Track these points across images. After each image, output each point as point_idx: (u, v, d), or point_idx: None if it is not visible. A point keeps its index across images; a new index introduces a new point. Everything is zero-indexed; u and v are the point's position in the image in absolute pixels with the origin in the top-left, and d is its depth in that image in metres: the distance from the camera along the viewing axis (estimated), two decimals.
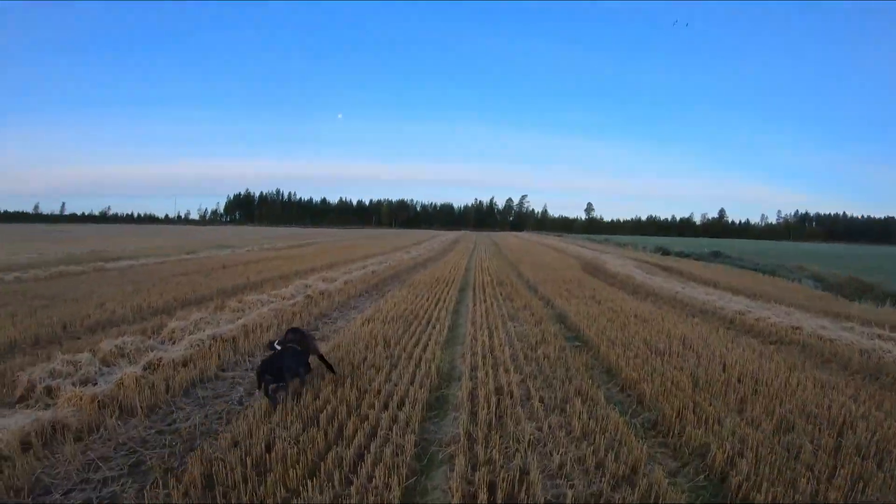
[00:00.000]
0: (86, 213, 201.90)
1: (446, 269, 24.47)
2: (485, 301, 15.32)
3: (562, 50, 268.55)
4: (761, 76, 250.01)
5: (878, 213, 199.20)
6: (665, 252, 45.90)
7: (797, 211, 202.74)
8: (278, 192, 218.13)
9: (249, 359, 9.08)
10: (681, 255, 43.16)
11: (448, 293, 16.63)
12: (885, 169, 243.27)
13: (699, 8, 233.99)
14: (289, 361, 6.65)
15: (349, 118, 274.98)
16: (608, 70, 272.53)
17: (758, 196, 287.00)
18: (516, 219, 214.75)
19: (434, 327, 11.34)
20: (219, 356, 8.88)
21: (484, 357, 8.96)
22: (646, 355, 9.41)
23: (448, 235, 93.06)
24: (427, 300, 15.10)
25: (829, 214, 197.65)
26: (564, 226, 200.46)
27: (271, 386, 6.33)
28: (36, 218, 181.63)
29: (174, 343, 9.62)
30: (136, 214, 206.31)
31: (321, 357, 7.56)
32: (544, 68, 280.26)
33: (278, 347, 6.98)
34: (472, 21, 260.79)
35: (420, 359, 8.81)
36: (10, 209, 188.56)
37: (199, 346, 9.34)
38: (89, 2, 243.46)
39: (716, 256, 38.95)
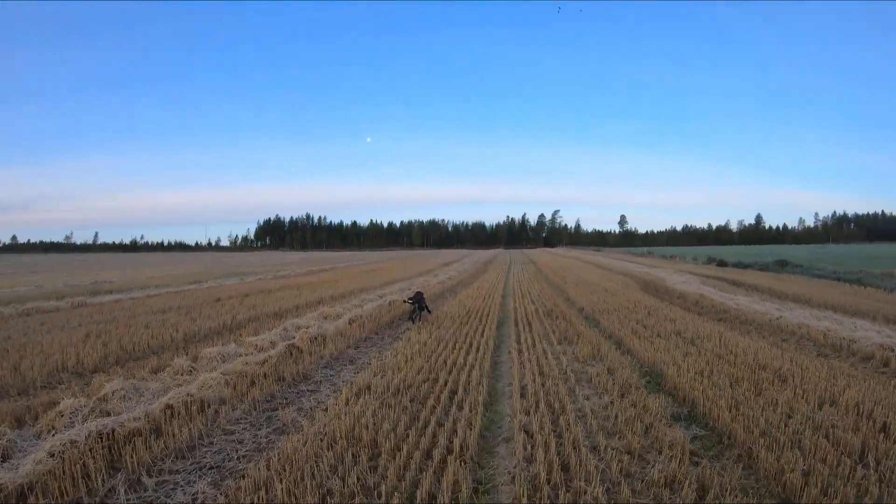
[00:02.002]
0: (116, 243, 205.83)
1: (479, 296, 20.51)
2: (533, 345, 11.28)
3: (592, 62, 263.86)
4: (792, 78, 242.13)
5: None
6: (721, 263, 41.20)
7: (835, 212, 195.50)
8: (308, 216, 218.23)
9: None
10: (739, 265, 38.47)
11: (482, 333, 12.64)
12: None
13: (728, 8, 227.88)
14: (421, 303, 15.19)
15: (379, 140, 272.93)
16: (637, 81, 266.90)
17: (793, 200, 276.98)
18: (549, 234, 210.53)
19: (461, 407, 7.29)
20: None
21: (554, 490, 4.92)
22: (847, 473, 5.22)
23: (480, 255, 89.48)
24: (453, 347, 11.15)
25: (868, 214, 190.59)
26: (598, 240, 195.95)
27: (415, 314, 15.00)
28: (68, 248, 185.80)
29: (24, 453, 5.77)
30: (166, 243, 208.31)
31: (426, 307, 15.45)
32: (574, 81, 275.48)
33: (411, 301, 15.30)
34: (500, 35, 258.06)
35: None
36: (46, 239, 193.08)
37: (59, 454, 5.53)
38: (114, 34, 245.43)
39: (783, 266, 34.16)
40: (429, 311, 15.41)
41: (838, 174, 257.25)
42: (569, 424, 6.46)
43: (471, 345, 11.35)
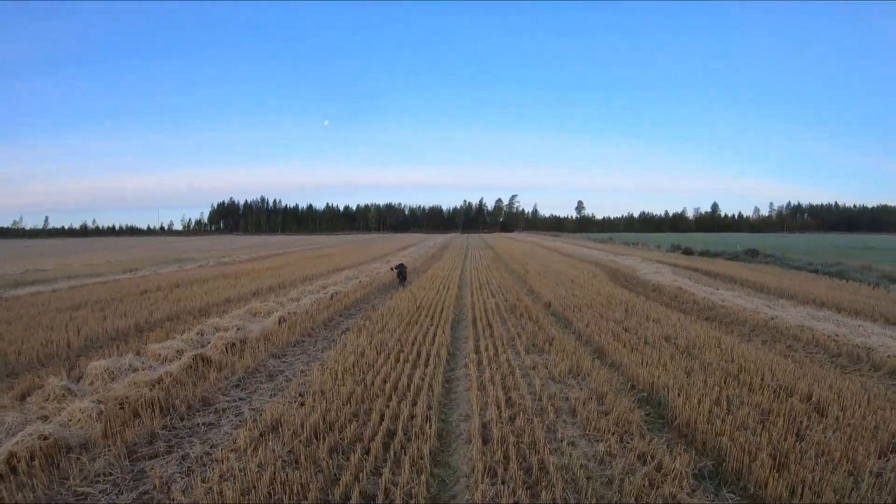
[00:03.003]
0: (65, 228, 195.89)
1: (433, 287, 18.34)
2: (496, 355, 9.16)
3: (547, 46, 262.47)
4: (748, 69, 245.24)
5: (870, 203, 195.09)
6: (687, 251, 39.78)
7: (789, 202, 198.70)
8: (263, 199, 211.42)
9: None
10: (707, 254, 37.10)
11: (434, 338, 10.46)
12: (874, 159, 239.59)
13: (687, 5, 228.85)
14: (403, 273, 19.88)
15: (335, 124, 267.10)
16: (595, 67, 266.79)
17: (749, 189, 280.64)
18: (506, 219, 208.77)
19: (398, 463, 5.17)
20: None
21: None
22: None
23: (437, 239, 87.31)
24: (397, 358, 8.97)
25: (822, 205, 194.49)
26: (556, 225, 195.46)
27: (402, 281, 19.55)
28: (15, 233, 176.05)
29: None
30: (117, 227, 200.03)
31: (405, 277, 19.96)
32: (530, 66, 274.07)
33: (396, 269, 20.40)
34: (455, 19, 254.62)
35: None
36: None
37: None
38: (63, 12, 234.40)
39: (754, 255, 32.77)
40: (403, 285, 19.46)
41: (793, 165, 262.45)
42: (554, 501, 4.34)
43: (419, 355, 9.18)
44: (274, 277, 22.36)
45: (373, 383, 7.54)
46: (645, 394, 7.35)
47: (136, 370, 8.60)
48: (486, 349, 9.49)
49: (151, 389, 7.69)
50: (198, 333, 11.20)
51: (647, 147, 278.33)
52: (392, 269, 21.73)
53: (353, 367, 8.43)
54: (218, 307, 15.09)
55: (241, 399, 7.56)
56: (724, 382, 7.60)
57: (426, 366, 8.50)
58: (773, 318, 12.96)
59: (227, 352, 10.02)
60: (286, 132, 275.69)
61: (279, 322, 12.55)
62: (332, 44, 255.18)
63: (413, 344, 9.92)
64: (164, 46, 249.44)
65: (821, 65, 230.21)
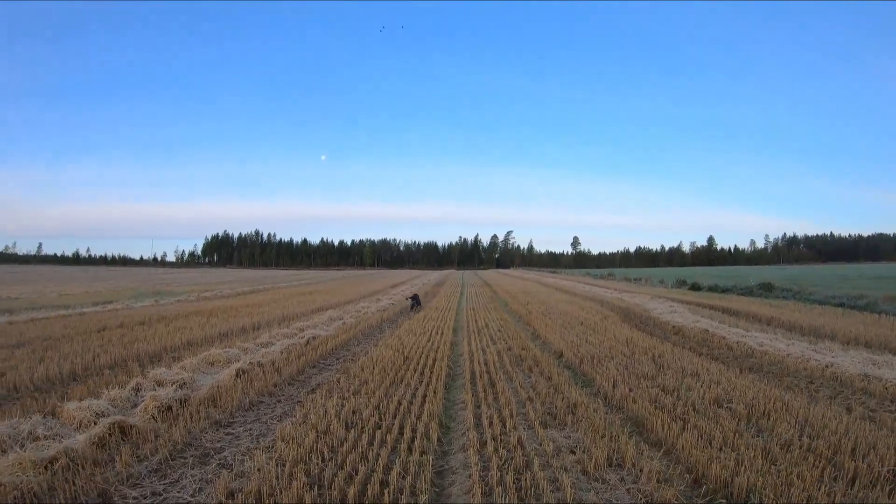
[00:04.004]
0: (57, 255, 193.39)
1: (425, 331, 16.09)
2: (505, 432, 6.91)
3: (542, 85, 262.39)
4: (739, 104, 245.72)
5: (865, 232, 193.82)
6: (695, 287, 37.53)
7: (784, 234, 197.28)
8: (257, 233, 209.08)
9: None
10: (716, 289, 34.94)
11: (422, 404, 8.22)
12: (867, 188, 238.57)
13: (682, 31, 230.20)
14: (417, 301, 24.88)
15: (332, 158, 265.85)
16: (588, 103, 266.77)
17: (744, 222, 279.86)
18: (502, 255, 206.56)
19: None
20: None
21: None
22: None
23: (432, 275, 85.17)
24: (370, 440, 6.72)
25: (818, 235, 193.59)
26: (552, 261, 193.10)
27: (415, 306, 24.27)
28: (7, 259, 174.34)
29: None
30: (109, 256, 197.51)
31: (419, 303, 25.07)
32: (526, 104, 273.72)
33: (411, 300, 25.17)
34: (452, 57, 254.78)
35: None
36: None
37: None
38: (59, 41, 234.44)
39: (769, 290, 30.57)
40: (419, 306, 24.91)
41: (786, 197, 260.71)
42: None
43: (401, 432, 6.93)
44: (250, 316, 20.18)
45: (332, 484, 5.32)
46: (723, 502, 5.13)
47: (36, 439, 6.69)
48: (491, 422, 7.24)
49: (40, 474, 5.59)
50: (133, 389, 9.17)
51: (641, 182, 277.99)
52: (408, 298, 26.99)
53: (311, 452, 6.20)
54: (174, 352, 13.04)
55: (154, 495, 5.38)
56: (824, 474, 5.46)
57: (409, 451, 6.26)
58: (827, 367, 11.03)
59: (157, 418, 7.85)
60: (282, 166, 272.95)
61: (237, 375, 10.35)
62: (329, 78, 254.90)
63: (395, 414, 7.67)
64: (165, 79, 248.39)
65: (809, 97, 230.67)
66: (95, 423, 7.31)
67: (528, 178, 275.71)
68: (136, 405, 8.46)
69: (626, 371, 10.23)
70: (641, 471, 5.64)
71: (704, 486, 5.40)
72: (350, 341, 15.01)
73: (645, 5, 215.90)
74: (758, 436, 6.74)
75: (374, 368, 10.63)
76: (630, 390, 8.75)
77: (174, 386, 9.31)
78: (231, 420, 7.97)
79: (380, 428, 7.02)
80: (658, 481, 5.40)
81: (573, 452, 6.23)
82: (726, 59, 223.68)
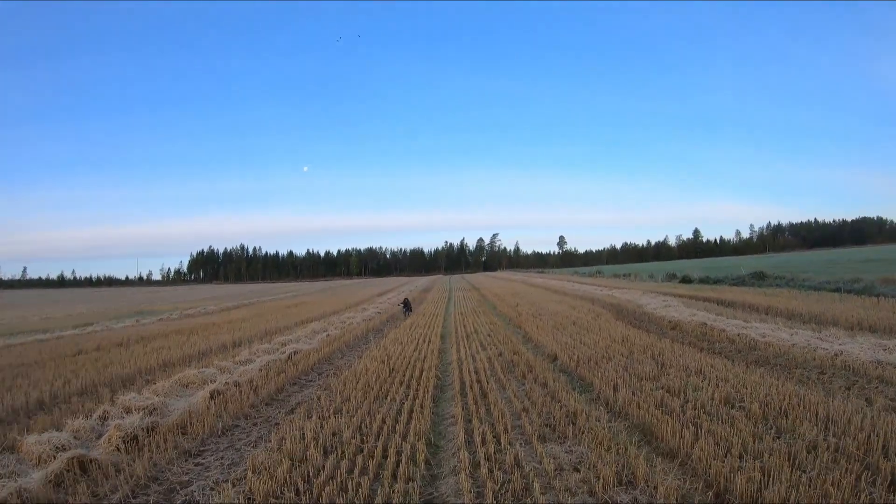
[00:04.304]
0: (42, 278, 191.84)
1: (412, 339, 15.41)
2: (500, 449, 6.28)
3: (523, 86, 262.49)
4: (714, 95, 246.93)
5: (849, 216, 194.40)
6: (686, 279, 37.03)
7: (769, 223, 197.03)
8: (243, 248, 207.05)
9: None
10: (707, 281, 34.53)
11: (409, 420, 7.55)
12: (848, 172, 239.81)
13: (656, 28, 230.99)
14: (408, 306, 25.68)
15: (315, 169, 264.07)
16: (569, 105, 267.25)
17: (728, 212, 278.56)
18: (489, 258, 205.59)
19: None
20: None
21: None
22: None
23: (419, 282, 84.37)
24: (351, 464, 6.07)
25: (802, 222, 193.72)
26: (539, 261, 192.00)
27: (406, 311, 25.11)
28: None
29: None
30: (94, 277, 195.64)
31: (410, 308, 25.87)
32: (505, 105, 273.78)
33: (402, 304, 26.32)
34: (431, 61, 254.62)
35: None
36: None
37: None
38: (36, 60, 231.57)
39: (762, 279, 30.09)
40: (410, 311, 25.78)
41: (768, 185, 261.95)
42: None
43: (385, 454, 6.26)
44: (232, 332, 19.47)
45: None
46: None
47: None
48: (484, 439, 6.55)
49: None
50: (99, 418, 8.51)
51: (626, 179, 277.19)
52: (399, 304, 27.67)
53: (284, 485, 5.52)
54: (149, 374, 12.36)
55: None
56: (860, 479, 4.86)
57: (394, 478, 5.58)
58: (837, 355, 10.51)
59: (122, 450, 7.13)
60: (265, 180, 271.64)
61: (211, 398, 9.64)
62: (309, 88, 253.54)
63: (379, 434, 6.97)
64: (141, 97, 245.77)
65: (784, 83, 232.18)
66: (55, 458, 6.63)
67: (512, 180, 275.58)
68: (101, 435, 7.76)
69: (625, 372, 9.59)
70: (656, 489, 4.98)
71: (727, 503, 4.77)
72: (334, 354, 14.30)
73: (617, 4, 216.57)
74: (779, 438, 6.12)
75: (357, 383, 9.91)
76: (633, 394, 8.10)
77: (141, 413, 8.58)
78: (202, 448, 7.27)
79: (361, 452, 6.31)
80: (677, 501, 4.75)
81: (577, 470, 5.55)
82: (699, 51, 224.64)
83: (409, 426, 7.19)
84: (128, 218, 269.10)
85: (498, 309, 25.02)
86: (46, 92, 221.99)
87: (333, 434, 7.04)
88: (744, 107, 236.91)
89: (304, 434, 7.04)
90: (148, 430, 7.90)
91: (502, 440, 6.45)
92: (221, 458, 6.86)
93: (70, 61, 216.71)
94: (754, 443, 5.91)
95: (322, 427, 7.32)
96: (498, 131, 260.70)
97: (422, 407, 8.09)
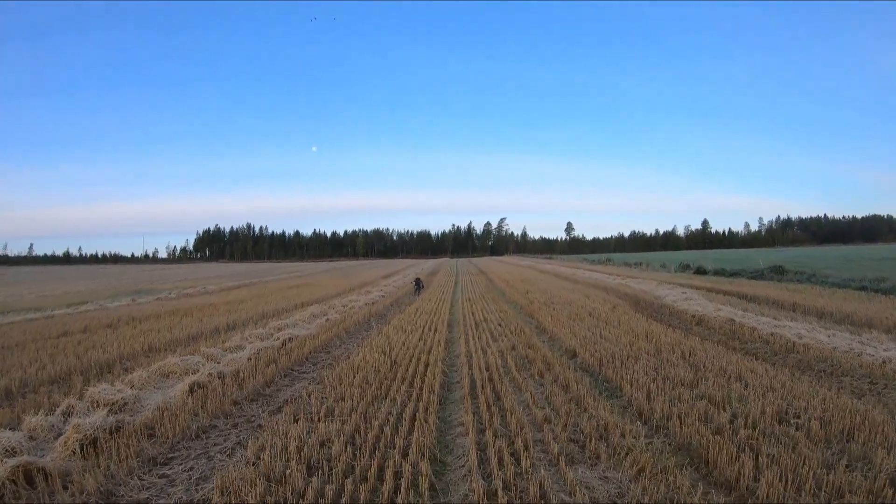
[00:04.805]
0: (47, 255, 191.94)
1: (416, 327, 14.35)
2: (521, 474, 5.20)
3: (534, 70, 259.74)
4: (730, 85, 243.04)
5: (859, 213, 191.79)
6: (701, 271, 35.79)
7: (778, 217, 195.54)
8: (249, 226, 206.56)
9: None
10: (723, 273, 33.32)
11: (411, 429, 6.49)
12: (861, 169, 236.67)
13: (671, 14, 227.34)
14: (421, 284, 29.14)
15: (323, 149, 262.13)
16: (581, 89, 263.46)
17: (737, 204, 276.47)
18: (496, 243, 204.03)
19: None
20: None
21: None
22: None
23: (425, 264, 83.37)
24: (339, 488, 4.98)
25: (811, 217, 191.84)
26: (546, 247, 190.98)
27: (418, 289, 27.97)
28: None
29: None
30: (100, 254, 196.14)
31: (421, 287, 28.56)
32: (517, 88, 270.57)
33: (415, 283, 29.39)
34: (441, 44, 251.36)
35: None
36: None
37: None
38: (50, 36, 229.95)
39: (781, 273, 28.89)
40: (422, 289, 28.93)
41: (780, 180, 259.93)
42: None
43: (381, 477, 5.20)
44: (227, 314, 18.50)
45: None
46: None
47: None
48: (500, 458, 5.48)
49: None
50: (62, 414, 7.53)
51: (635, 167, 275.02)
52: (412, 282, 30.94)
53: None
54: (132, 360, 11.43)
55: None
56: None
57: None
58: (885, 363, 9.47)
59: (79, 453, 6.17)
60: (274, 159, 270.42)
61: (190, 391, 8.64)
62: (318, 70, 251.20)
63: (374, 448, 5.90)
64: (151, 75, 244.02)
65: (801, 78, 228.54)
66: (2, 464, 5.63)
67: (521, 164, 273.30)
68: (60, 436, 6.76)
69: (656, 375, 8.50)
70: None
71: None
72: (332, 341, 13.26)
73: None
74: (852, 469, 5.05)
75: (353, 378, 8.87)
76: (670, 403, 7.00)
77: (107, 410, 7.59)
78: (170, 455, 6.27)
79: (352, 472, 5.27)
80: None
81: None
82: (717, 40, 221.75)
83: (410, 438, 6.12)
84: (135, 195, 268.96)
85: (507, 295, 23.91)
86: (53, 67, 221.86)
87: (322, 444, 6.01)
88: (758, 97, 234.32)
89: (287, 444, 6.00)
90: (112, 430, 6.91)
91: (523, 461, 5.38)
92: (191, 468, 5.85)
93: (78, 36, 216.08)
94: (829, 476, 4.84)
95: (310, 434, 6.29)
96: (506, 115, 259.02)
97: (426, 411, 7.03)
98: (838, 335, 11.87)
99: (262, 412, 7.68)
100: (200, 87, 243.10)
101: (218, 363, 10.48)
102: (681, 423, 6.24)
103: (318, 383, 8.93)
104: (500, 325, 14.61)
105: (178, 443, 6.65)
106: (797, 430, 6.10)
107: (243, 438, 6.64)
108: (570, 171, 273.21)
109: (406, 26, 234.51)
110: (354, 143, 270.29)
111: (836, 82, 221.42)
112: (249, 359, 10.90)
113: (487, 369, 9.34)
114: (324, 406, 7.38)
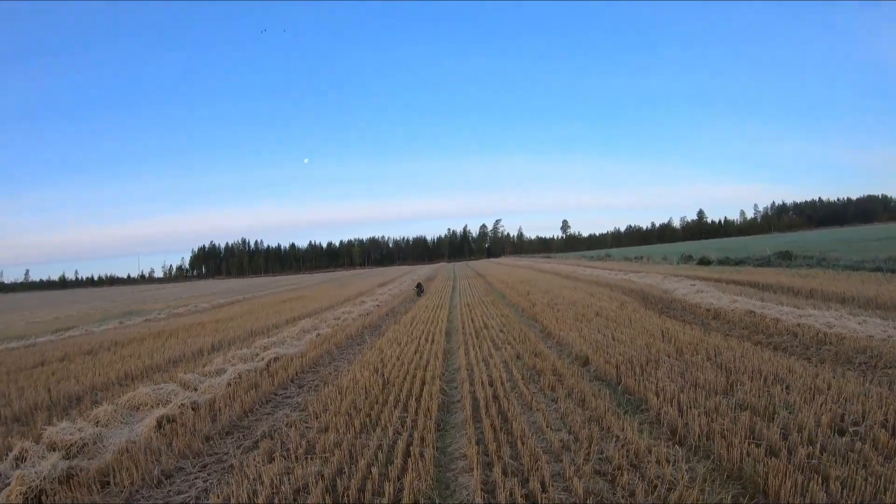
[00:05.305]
0: (43, 280, 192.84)
1: (412, 338, 13.31)
2: None
3: (516, 66, 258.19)
4: (721, 73, 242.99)
5: (854, 195, 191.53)
6: (705, 261, 34.79)
7: (774, 202, 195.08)
8: (244, 241, 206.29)
9: None
10: (727, 262, 32.40)
11: (405, 469, 5.45)
12: (852, 150, 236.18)
13: (657, 7, 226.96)
14: (421, 288, 30.91)
15: (315, 161, 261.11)
16: (567, 82, 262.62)
17: (732, 192, 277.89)
18: (492, 245, 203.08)
19: None
20: None
21: None
22: None
23: (422, 270, 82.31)
24: None
25: (806, 202, 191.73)
26: (543, 246, 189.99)
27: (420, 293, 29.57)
28: None
29: None
30: (96, 277, 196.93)
31: (422, 291, 30.11)
32: (504, 89, 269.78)
33: (416, 288, 30.76)
34: (432, 46, 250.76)
35: None
36: None
37: None
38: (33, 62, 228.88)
39: (789, 259, 27.91)
40: (424, 292, 30.81)
41: (771, 165, 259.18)
42: None
43: None
44: (215, 334, 17.56)
45: None
46: None
47: None
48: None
49: None
50: (15, 459, 6.49)
51: (627, 161, 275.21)
52: (413, 289, 31.60)
53: None
54: (102, 391, 10.44)
55: None
56: None
57: None
58: None
59: None
60: (266, 172, 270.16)
61: (158, 426, 7.63)
62: (306, 79, 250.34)
63: (360, 496, 4.88)
64: (140, 94, 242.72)
65: (789, 62, 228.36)
66: None
67: (513, 164, 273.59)
68: (7, 486, 5.77)
69: (684, 382, 7.47)
70: None
71: None
72: (321, 359, 12.23)
73: None
74: None
75: (340, 403, 7.83)
76: (708, 418, 5.96)
77: (62, 454, 6.62)
78: None
79: None
80: None
81: None
82: (702, 28, 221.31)
83: (403, 480, 5.08)
84: (129, 216, 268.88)
85: (507, 298, 22.86)
86: (42, 91, 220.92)
87: (297, 492, 5.00)
88: (745, 83, 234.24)
89: (256, 492, 5.00)
90: (63, 479, 5.93)
91: None
92: None
93: (63, 60, 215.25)
94: None
95: (285, 479, 5.27)
96: (497, 117, 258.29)
97: (422, 442, 6.01)
98: (869, 322, 10.92)
99: (236, 449, 6.65)
100: (187, 103, 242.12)
101: (194, 391, 9.50)
102: (724, 442, 5.23)
103: (300, 410, 7.91)
104: (501, 331, 13.60)
105: (137, 492, 5.67)
106: (862, 441, 5.12)
107: (211, 484, 5.64)
108: (562, 169, 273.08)
109: (395, 28, 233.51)
110: (346, 154, 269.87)
111: (824, 64, 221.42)
112: (229, 384, 9.87)
113: (491, 384, 8.31)
114: (304, 441, 6.35)
